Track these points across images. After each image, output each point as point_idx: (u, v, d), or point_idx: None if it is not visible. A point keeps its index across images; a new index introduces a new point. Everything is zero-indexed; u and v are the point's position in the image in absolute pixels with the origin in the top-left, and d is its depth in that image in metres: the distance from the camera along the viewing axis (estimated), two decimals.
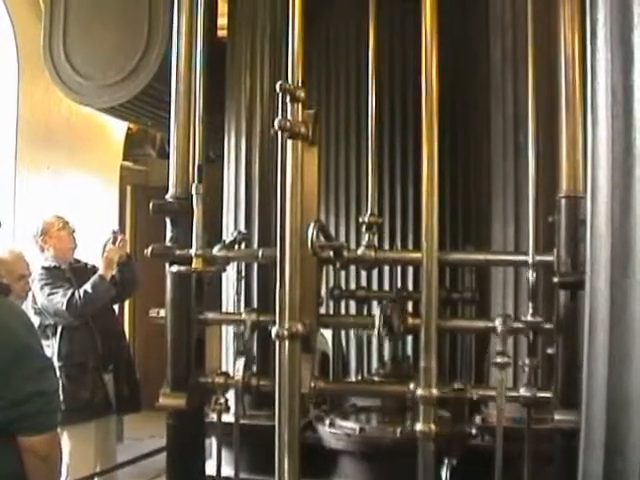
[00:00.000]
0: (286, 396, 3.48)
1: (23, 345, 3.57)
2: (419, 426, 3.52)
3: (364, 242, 4.38)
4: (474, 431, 4.71)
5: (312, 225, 3.57)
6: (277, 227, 3.45)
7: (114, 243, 6.30)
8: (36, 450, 3.48)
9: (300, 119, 3.32)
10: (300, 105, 3.31)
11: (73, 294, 6.03)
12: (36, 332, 4.27)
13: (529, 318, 3.89)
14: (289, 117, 3.27)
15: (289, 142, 3.31)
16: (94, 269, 6.33)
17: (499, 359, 3.77)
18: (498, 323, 3.86)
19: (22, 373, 3.46)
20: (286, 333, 3.39)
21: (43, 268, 6.23)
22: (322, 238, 3.79)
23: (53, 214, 6.58)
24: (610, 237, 2.13)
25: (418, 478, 3.60)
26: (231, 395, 4.28)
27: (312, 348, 3.73)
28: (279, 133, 3.28)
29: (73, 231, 6.53)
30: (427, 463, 3.57)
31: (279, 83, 3.22)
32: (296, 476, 3.50)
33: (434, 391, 3.50)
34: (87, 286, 6.07)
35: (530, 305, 3.91)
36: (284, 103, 3.30)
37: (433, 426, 3.48)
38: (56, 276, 6.25)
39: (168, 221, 4.33)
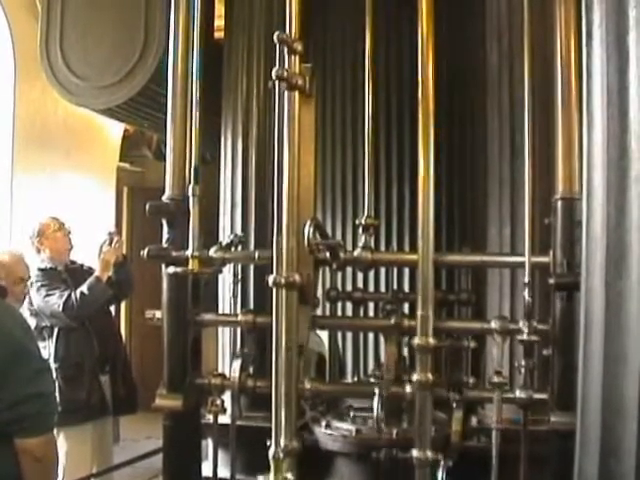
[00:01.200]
0: (282, 347, 3.49)
1: (20, 347, 3.57)
2: (416, 376, 3.59)
3: (361, 243, 4.38)
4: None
5: (308, 223, 3.58)
6: (275, 177, 3.48)
7: (110, 244, 6.29)
8: (33, 452, 3.48)
9: (297, 71, 3.34)
10: (297, 57, 3.33)
11: (70, 295, 6.03)
12: (33, 334, 4.27)
13: (525, 320, 3.90)
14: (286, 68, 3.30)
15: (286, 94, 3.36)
16: (90, 270, 6.33)
17: (496, 379, 3.79)
18: (494, 325, 3.87)
19: (19, 375, 3.46)
20: (283, 281, 3.40)
21: (39, 269, 6.23)
22: (318, 236, 3.80)
23: (49, 216, 6.57)
24: (605, 239, 2.14)
25: (414, 479, 3.61)
26: (227, 396, 4.28)
27: (310, 300, 3.73)
28: (276, 83, 3.31)
29: (69, 232, 6.53)
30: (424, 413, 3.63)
31: (277, 34, 3.24)
32: (292, 429, 3.49)
33: (430, 340, 3.55)
34: (83, 287, 6.07)
35: (526, 307, 3.91)
36: (282, 54, 3.32)
37: (430, 375, 3.57)
38: (52, 277, 6.25)
39: (164, 222, 4.34)
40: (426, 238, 3.64)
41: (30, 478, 3.51)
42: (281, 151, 3.42)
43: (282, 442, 3.48)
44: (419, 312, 3.60)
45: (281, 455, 3.47)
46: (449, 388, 3.96)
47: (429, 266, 3.63)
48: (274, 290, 3.43)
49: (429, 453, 3.64)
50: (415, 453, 3.64)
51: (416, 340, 3.59)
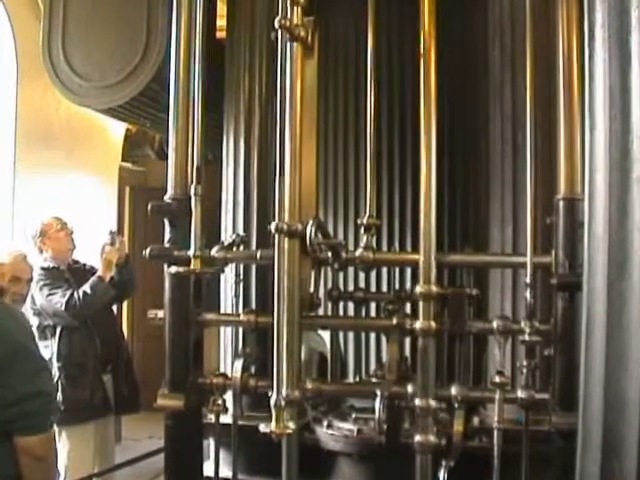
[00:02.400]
0: (284, 295, 3.50)
1: (19, 345, 3.58)
2: (419, 324, 3.65)
3: (362, 243, 4.38)
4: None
5: (310, 223, 3.59)
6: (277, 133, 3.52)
7: (112, 244, 6.30)
8: (33, 450, 3.48)
9: (300, 22, 3.37)
10: (300, 9, 3.36)
11: (72, 295, 6.04)
12: (32, 333, 4.27)
13: (526, 320, 3.90)
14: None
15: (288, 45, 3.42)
16: (93, 270, 6.34)
17: (497, 379, 3.79)
18: (496, 325, 3.87)
19: (19, 373, 3.46)
20: (285, 227, 3.41)
21: (42, 269, 6.24)
22: (320, 236, 3.81)
23: (51, 215, 6.58)
24: (607, 239, 2.14)
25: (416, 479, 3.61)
26: (229, 396, 4.28)
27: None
28: (279, 32, 3.37)
29: (71, 232, 6.54)
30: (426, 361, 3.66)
31: None
32: (294, 378, 3.52)
33: (434, 288, 3.61)
34: (86, 287, 6.08)
35: (528, 306, 3.92)
36: (284, 5, 3.36)
37: (432, 323, 3.63)
38: (55, 277, 6.25)
39: (167, 222, 4.34)
40: (428, 238, 3.65)
41: (30, 477, 3.51)
42: (283, 105, 3.45)
43: (284, 391, 3.49)
44: (421, 259, 3.65)
45: (282, 403, 3.48)
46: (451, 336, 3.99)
47: (431, 266, 3.64)
48: (276, 237, 3.46)
49: (432, 402, 3.69)
50: (417, 402, 3.69)
51: (418, 288, 3.64)
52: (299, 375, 3.60)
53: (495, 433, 3.77)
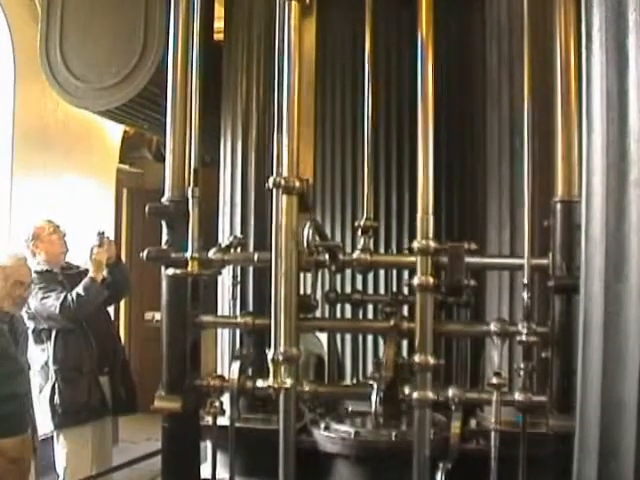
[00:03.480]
0: (282, 252, 3.51)
1: None
2: (416, 279, 3.73)
3: (360, 246, 4.39)
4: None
5: (307, 225, 3.60)
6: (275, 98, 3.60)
7: (100, 245, 6.28)
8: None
9: None
10: None
11: (66, 297, 6.03)
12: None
13: (524, 322, 3.90)
14: None
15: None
16: (86, 272, 6.33)
17: (495, 380, 3.79)
18: (493, 327, 3.87)
19: None
20: (283, 182, 3.43)
21: (35, 272, 6.22)
22: (317, 238, 3.82)
23: (44, 218, 6.57)
24: (604, 242, 2.14)
25: None
26: (226, 398, 4.28)
27: (309, 207, 3.76)
28: None
29: (64, 235, 6.53)
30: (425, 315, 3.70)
31: None
32: (292, 336, 3.55)
33: (432, 243, 3.71)
34: (79, 289, 6.07)
35: (525, 309, 3.92)
36: None
37: (430, 279, 3.69)
38: (49, 280, 6.25)
39: (164, 224, 4.34)
40: (426, 194, 3.68)
41: None
42: (281, 62, 3.53)
43: (282, 347, 3.50)
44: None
45: (280, 358, 3.50)
46: (448, 293, 4.00)
47: (428, 221, 3.70)
48: (273, 192, 3.48)
49: (430, 359, 3.76)
50: (417, 359, 3.76)
51: (415, 244, 3.74)
52: (297, 332, 3.65)
53: (492, 435, 3.77)
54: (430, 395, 3.77)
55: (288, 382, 3.53)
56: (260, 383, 3.67)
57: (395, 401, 4.03)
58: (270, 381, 3.56)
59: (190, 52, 4.35)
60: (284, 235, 3.56)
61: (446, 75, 5.07)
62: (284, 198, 3.53)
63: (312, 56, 3.91)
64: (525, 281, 3.92)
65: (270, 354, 3.58)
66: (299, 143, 3.61)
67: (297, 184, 3.55)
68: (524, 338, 3.84)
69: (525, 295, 3.90)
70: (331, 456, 4.83)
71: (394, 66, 5.92)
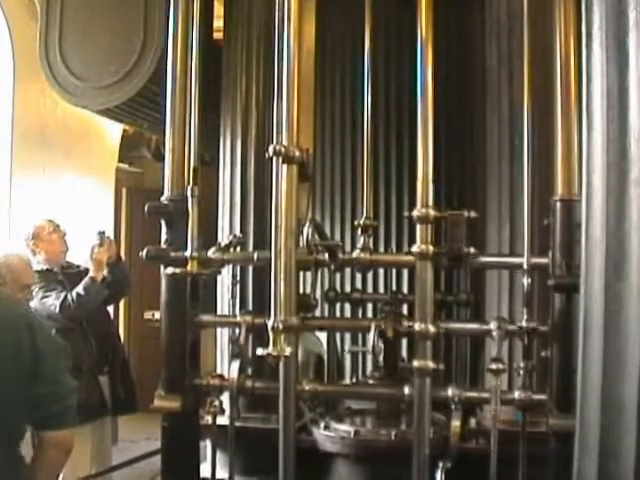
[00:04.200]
0: (282, 222, 3.53)
1: (60, 342, 3.62)
2: (416, 247, 3.74)
3: (359, 245, 4.39)
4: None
5: (307, 224, 3.60)
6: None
7: (101, 245, 6.27)
8: (66, 443, 3.48)
9: None
10: None
11: (66, 297, 6.02)
12: None
13: (524, 322, 3.90)
14: None
15: None
16: (86, 272, 6.31)
17: (494, 366, 3.79)
18: (493, 326, 3.87)
19: (64, 368, 3.49)
20: (283, 150, 3.43)
21: (35, 271, 6.21)
22: (317, 237, 3.82)
23: (43, 218, 6.56)
24: (604, 240, 2.14)
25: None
26: (226, 397, 4.28)
27: (308, 176, 3.76)
28: None
29: (64, 234, 6.52)
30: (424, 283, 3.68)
31: None
32: (292, 305, 3.57)
33: (431, 211, 3.71)
34: (79, 288, 6.06)
35: (525, 308, 3.92)
36: None
37: (430, 247, 3.72)
38: (49, 279, 6.24)
39: (163, 223, 4.34)
40: (426, 162, 3.69)
41: (53, 472, 3.52)
42: (281, 27, 3.59)
43: (281, 315, 3.51)
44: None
45: (280, 326, 3.51)
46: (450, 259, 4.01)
47: (428, 190, 3.72)
48: (273, 160, 3.49)
49: (431, 327, 3.74)
50: (417, 327, 3.76)
51: (415, 212, 3.75)
52: (297, 302, 3.66)
53: (491, 423, 3.77)
54: (430, 364, 3.76)
55: (287, 350, 3.55)
56: (260, 351, 3.69)
57: (394, 364, 4.05)
58: (270, 349, 3.58)
59: (189, 51, 4.35)
60: (284, 205, 3.57)
61: (446, 74, 5.07)
62: (284, 167, 3.55)
63: (312, 24, 3.93)
64: (525, 280, 3.92)
65: (270, 322, 3.60)
66: (299, 112, 3.63)
67: (297, 153, 3.56)
68: (524, 337, 3.85)
69: (524, 294, 3.91)
70: (331, 455, 4.82)
71: (394, 65, 5.93)
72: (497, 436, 3.78)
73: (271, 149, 3.53)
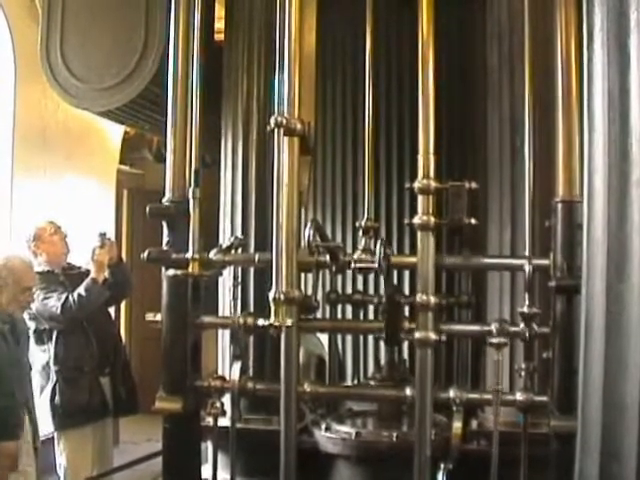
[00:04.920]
0: (283, 191, 3.57)
1: None
2: (417, 219, 3.73)
3: (361, 246, 4.38)
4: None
5: (308, 226, 3.60)
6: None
7: (102, 246, 6.27)
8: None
9: None
10: None
11: (67, 298, 6.02)
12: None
13: (525, 323, 3.90)
14: None
15: None
16: (88, 273, 6.32)
17: (494, 340, 3.80)
18: (494, 327, 3.87)
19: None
20: (284, 122, 3.44)
21: (37, 273, 6.21)
22: (318, 239, 3.82)
23: (45, 219, 6.57)
24: (606, 242, 2.14)
25: None
26: (227, 399, 4.28)
27: (310, 150, 3.78)
28: None
29: (65, 236, 6.52)
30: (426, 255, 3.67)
31: None
32: (293, 277, 3.57)
33: (432, 183, 3.73)
34: (80, 290, 6.06)
35: (526, 309, 3.92)
36: None
37: (432, 218, 3.70)
38: (50, 281, 6.24)
39: (165, 225, 4.34)
40: (426, 132, 3.69)
41: None
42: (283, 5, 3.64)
43: (283, 287, 3.53)
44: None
45: (281, 297, 3.52)
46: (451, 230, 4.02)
47: (429, 159, 3.73)
48: (275, 132, 3.51)
49: (432, 298, 3.77)
50: (418, 298, 3.78)
51: (416, 184, 3.77)
52: (297, 272, 3.69)
53: (494, 429, 3.77)
54: (432, 335, 3.77)
55: (289, 321, 3.57)
56: (261, 321, 3.72)
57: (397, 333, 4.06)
58: (272, 319, 3.59)
59: (190, 52, 4.34)
60: (286, 177, 3.58)
61: (447, 75, 5.07)
62: (285, 140, 3.57)
63: (313, 21, 3.94)
64: (526, 282, 3.93)
65: (271, 293, 3.61)
66: (300, 85, 3.64)
67: (298, 126, 3.57)
68: (525, 339, 3.85)
69: (526, 296, 3.91)
70: (332, 457, 4.83)
71: (395, 66, 5.93)
72: (498, 437, 3.78)
73: (272, 120, 3.54)
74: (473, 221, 4.01)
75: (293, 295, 3.64)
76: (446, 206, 4.05)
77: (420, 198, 3.75)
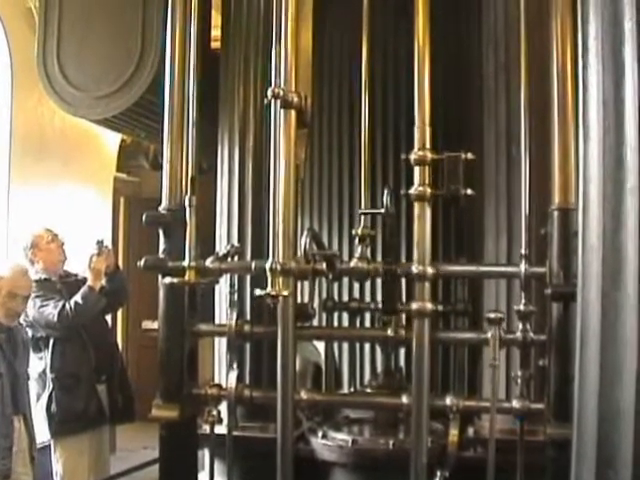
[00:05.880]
0: (281, 165, 3.60)
1: None
2: (413, 190, 3.76)
3: (357, 254, 4.39)
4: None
5: (305, 234, 3.61)
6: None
7: (99, 254, 6.27)
8: None
9: None
10: None
11: (64, 306, 6.02)
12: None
13: (520, 331, 3.91)
14: None
15: None
16: (84, 281, 6.31)
17: (492, 315, 3.81)
18: (491, 335, 3.87)
19: None
20: (281, 93, 3.46)
21: (34, 281, 6.21)
22: (315, 247, 3.83)
23: (42, 227, 6.57)
24: (601, 249, 2.14)
25: None
26: (224, 407, 4.28)
27: (307, 123, 3.79)
28: None
29: (62, 244, 6.52)
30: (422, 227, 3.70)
31: None
32: (291, 249, 3.61)
33: (429, 154, 3.78)
34: (77, 297, 6.06)
35: (522, 307, 3.93)
36: None
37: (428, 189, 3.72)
38: (47, 288, 6.23)
39: (161, 233, 4.34)
40: (423, 104, 3.70)
41: None
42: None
43: (280, 257, 3.57)
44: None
45: (278, 267, 3.53)
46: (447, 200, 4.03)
47: (426, 132, 3.80)
48: (272, 103, 3.52)
49: (429, 269, 3.78)
50: (415, 269, 3.78)
51: (412, 155, 3.82)
52: (295, 244, 3.72)
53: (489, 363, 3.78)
54: (429, 305, 3.77)
55: (286, 291, 3.58)
56: (258, 291, 3.73)
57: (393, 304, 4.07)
58: (268, 289, 3.60)
59: (187, 60, 4.35)
60: (283, 150, 3.60)
61: (443, 83, 5.08)
62: (282, 112, 3.58)
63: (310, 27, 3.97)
64: (522, 289, 3.93)
65: (268, 263, 3.62)
66: (297, 58, 3.67)
67: (295, 99, 3.59)
68: (521, 347, 3.86)
69: (522, 303, 3.92)
70: (329, 464, 4.82)
71: (391, 75, 5.94)
72: (495, 445, 3.79)
73: (269, 92, 3.56)
74: (469, 192, 4.00)
75: (289, 267, 3.65)
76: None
77: (416, 169, 3.76)
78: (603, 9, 2.16)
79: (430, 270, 3.78)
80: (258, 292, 3.77)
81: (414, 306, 3.79)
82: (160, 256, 4.31)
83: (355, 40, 5.16)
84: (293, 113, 3.64)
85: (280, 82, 3.64)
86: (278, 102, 3.63)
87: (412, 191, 3.78)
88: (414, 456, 3.77)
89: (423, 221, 3.79)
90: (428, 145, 3.77)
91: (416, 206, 3.79)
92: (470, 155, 4.01)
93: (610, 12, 2.14)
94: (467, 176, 4.71)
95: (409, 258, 4.10)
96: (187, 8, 4.40)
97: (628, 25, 2.09)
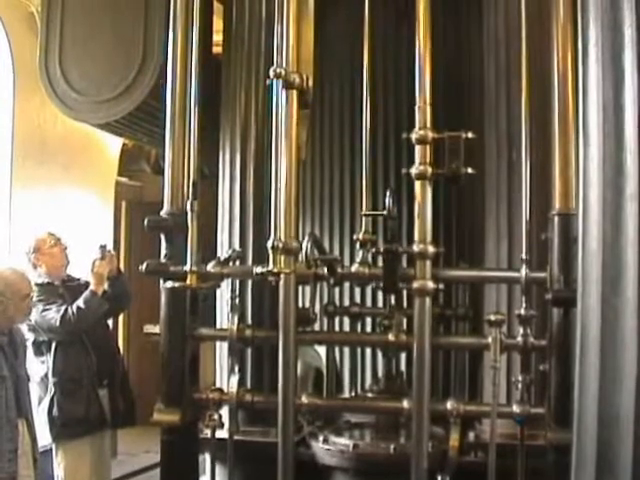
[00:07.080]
0: (282, 146, 3.62)
1: None
2: (414, 169, 3.77)
3: (358, 259, 4.39)
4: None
5: (306, 239, 3.62)
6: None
7: (102, 258, 6.27)
8: None
9: None
10: None
11: (67, 310, 6.01)
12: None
13: (521, 335, 3.92)
14: None
15: None
16: (87, 285, 6.31)
17: (493, 317, 3.81)
18: (491, 339, 3.88)
19: None
20: (283, 73, 3.47)
21: (36, 285, 6.20)
22: (316, 252, 3.83)
23: (45, 231, 6.56)
24: (601, 255, 2.15)
25: None
26: (225, 411, 4.28)
27: (309, 104, 3.80)
28: None
29: (65, 248, 6.52)
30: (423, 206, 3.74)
31: None
32: (292, 229, 3.63)
33: (429, 133, 3.77)
34: (80, 302, 6.05)
35: (523, 311, 3.93)
36: None
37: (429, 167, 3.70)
38: (49, 292, 6.23)
39: (163, 237, 4.34)
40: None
41: None
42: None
43: (281, 236, 3.60)
44: None
45: (279, 246, 3.54)
46: (448, 179, 4.02)
47: (427, 111, 3.81)
48: (274, 83, 3.52)
49: (430, 247, 3.78)
50: (416, 248, 3.79)
51: (414, 135, 3.82)
52: (296, 222, 3.75)
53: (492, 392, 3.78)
54: (430, 284, 3.77)
55: (287, 269, 3.59)
56: (259, 269, 3.74)
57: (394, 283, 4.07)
58: (270, 266, 3.61)
59: (189, 65, 4.36)
60: (284, 130, 3.61)
61: (444, 88, 5.09)
62: (284, 93, 3.60)
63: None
64: (523, 294, 3.94)
65: (269, 242, 3.65)
66: (299, 39, 3.69)
67: (297, 79, 3.60)
68: (522, 352, 3.86)
69: (523, 308, 3.92)
70: (329, 469, 4.82)
71: (392, 79, 5.95)
72: (495, 449, 3.79)
73: (272, 71, 3.58)
74: (470, 170, 4.00)
75: (291, 246, 3.68)
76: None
77: (417, 148, 3.76)
78: (603, 15, 2.17)
79: (431, 249, 3.77)
80: (259, 269, 3.78)
81: (415, 284, 3.78)
82: (162, 260, 4.31)
83: (356, 42, 5.17)
84: (295, 94, 3.64)
85: (281, 61, 3.65)
86: (280, 82, 3.64)
87: (413, 170, 3.78)
88: (415, 461, 3.77)
89: (424, 200, 3.79)
90: (429, 124, 3.77)
91: (417, 185, 3.79)
92: (470, 134, 4.01)
93: (610, 18, 2.15)
94: (468, 177, 4.74)
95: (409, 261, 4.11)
96: (189, 13, 4.40)
97: (628, 31, 2.10)
